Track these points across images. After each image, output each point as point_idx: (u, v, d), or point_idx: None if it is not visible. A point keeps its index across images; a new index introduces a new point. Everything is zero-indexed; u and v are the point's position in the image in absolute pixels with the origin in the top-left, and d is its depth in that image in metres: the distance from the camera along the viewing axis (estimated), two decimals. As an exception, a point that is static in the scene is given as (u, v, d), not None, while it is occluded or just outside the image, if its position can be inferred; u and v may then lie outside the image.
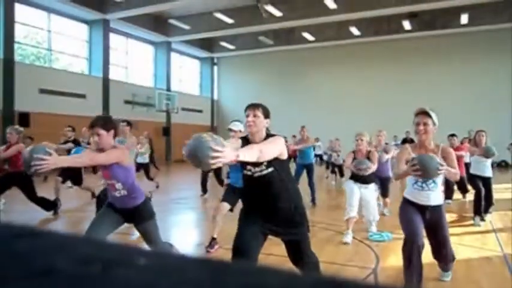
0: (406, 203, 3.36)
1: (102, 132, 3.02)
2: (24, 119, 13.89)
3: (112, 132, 3.10)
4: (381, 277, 3.72)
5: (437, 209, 3.25)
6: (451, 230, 3.65)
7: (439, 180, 3.24)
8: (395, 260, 4.23)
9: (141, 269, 0.29)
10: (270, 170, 2.64)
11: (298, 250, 2.79)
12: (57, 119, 14.62)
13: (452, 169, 3.13)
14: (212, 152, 2.01)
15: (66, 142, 7.78)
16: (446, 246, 3.32)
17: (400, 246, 4.67)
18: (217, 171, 8.96)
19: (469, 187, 7.20)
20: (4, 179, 6.18)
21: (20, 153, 6.08)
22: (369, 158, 5.12)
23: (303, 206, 2.83)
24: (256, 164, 2.58)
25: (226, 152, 2.07)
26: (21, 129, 6.34)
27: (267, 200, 2.68)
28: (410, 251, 3.15)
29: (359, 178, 5.13)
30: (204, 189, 8.87)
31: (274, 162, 2.61)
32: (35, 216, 6.28)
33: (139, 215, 3.18)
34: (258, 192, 2.70)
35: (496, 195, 7.08)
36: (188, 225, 6.38)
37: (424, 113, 3.17)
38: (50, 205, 6.52)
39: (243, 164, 2.66)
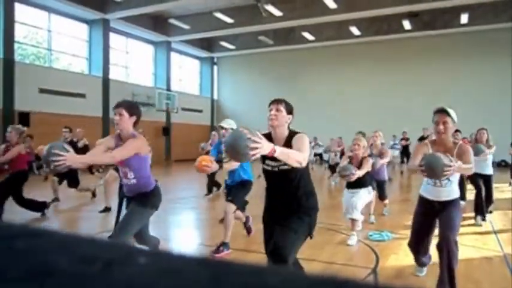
0: (420, 201, 3.41)
1: (125, 113, 3.04)
2: (24, 118, 13.89)
3: (134, 118, 3.10)
4: (381, 277, 3.72)
5: (448, 202, 3.24)
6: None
7: (454, 178, 3.22)
8: (395, 259, 4.23)
9: (141, 268, 0.29)
10: (286, 166, 2.63)
11: (284, 236, 2.62)
12: (57, 119, 14.63)
13: (466, 165, 3.10)
14: (251, 143, 2.09)
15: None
16: (450, 236, 3.09)
17: (400, 245, 4.70)
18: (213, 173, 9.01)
19: (470, 186, 7.21)
20: (9, 181, 6.00)
21: (20, 155, 6.02)
22: (361, 164, 4.93)
23: (311, 205, 2.80)
24: (275, 159, 2.55)
25: (264, 144, 2.16)
26: (23, 128, 6.13)
27: (278, 194, 2.77)
28: (413, 254, 3.54)
29: (351, 184, 4.96)
30: (220, 187, 9.04)
31: None
32: (35, 215, 6.27)
33: (140, 197, 3.18)
34: (273, 186, 2.80)
35: (496, 195, 7.08)
36: (188, 225, 6.38)
37: (443, 112, 3.11)
38: (38, 206, 6.32)
39: (263, 159, 2.68)
